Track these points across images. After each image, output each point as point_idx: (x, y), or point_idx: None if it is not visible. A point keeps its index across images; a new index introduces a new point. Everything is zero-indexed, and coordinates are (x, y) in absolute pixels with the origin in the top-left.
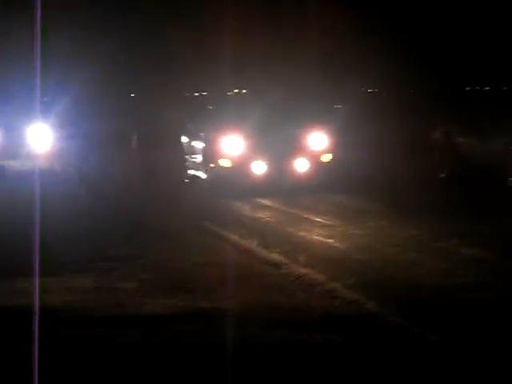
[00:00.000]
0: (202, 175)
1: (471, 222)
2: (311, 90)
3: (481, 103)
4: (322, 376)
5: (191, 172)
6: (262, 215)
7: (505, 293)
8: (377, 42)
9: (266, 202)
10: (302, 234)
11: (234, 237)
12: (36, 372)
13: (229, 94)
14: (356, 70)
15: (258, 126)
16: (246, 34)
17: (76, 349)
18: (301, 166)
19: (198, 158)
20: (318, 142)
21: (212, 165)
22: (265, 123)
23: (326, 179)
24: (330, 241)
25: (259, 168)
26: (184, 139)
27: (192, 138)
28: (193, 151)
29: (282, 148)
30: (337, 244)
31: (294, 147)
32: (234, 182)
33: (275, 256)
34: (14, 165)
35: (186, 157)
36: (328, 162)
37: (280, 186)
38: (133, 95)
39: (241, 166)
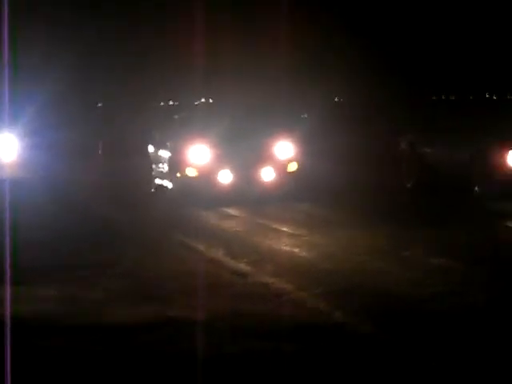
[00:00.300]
0: (169, 185)
1: (438, 231)
2: (277, 99)
3: (447, 113)
4: None
5: (158, 181)
6: (229, 225)
7: (472, 302)
8: (343, 53)
9: (232, 211)
10: (269, 243)
11: (201, 246)
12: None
13: (195, 103)
14: (322, 80)
15: (225, 135)
16: (214, 44)
17: (43, 358)
18: (267, 175)
19: (165, 168)
20: (284, 150)
21: (178, 174)
22: (231, 132)
23: (292, 188)
24: (296, 250)
25: (225, 177)
26: (150, 148)
27: (158, 147)
28: (159, 160)
29: (248, 157)
30: (304, 253)
31: (260, 156)
32: (200, 192)
33: (242, 265)
34: None
35: (153, 166)
36: (294, 171)
37: (246, 195)
38: (99, 105)
39: (207, 176)
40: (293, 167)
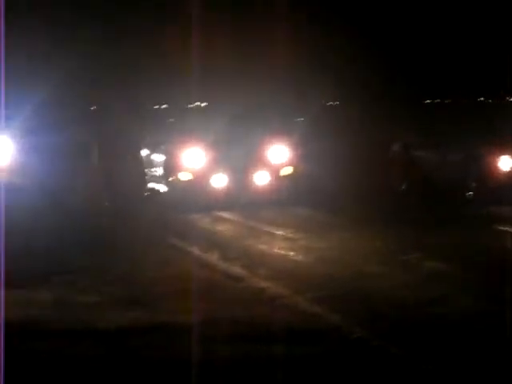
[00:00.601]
0: (163, 188)
1: (432, 235)
2: (272, 102)
3: (441, 116)
4: None
5: (152, 185)
6: (223, 228)
7: (467, 306)
8: (337, 56)
9: (226, 215)
10: (264, 247)
11: (195, 250)
12: None
13: (190, 106)
14: (317, 84)
15: (219, 138)
16: (208, 47)
17: (36, 362)
18: (262, 178)
19: (159, 171)
20: (279, 154)
21: (172, 178)
22: (226, 136)
23: (287, 192)
24: (291, 254)
25: (220, 181)
26: (145, 152)
27: (153, 150)
28: (153, 164)
29: (243, 161)
30: (299, 257)
31: (255, 160)
32: (194, 195)
33: (236, 269)
34: None
35: (147, 170)
36: (289, 175)
37: (241, 199)
38: (93, 107)
39: (201, 179)
40: (287, 171)
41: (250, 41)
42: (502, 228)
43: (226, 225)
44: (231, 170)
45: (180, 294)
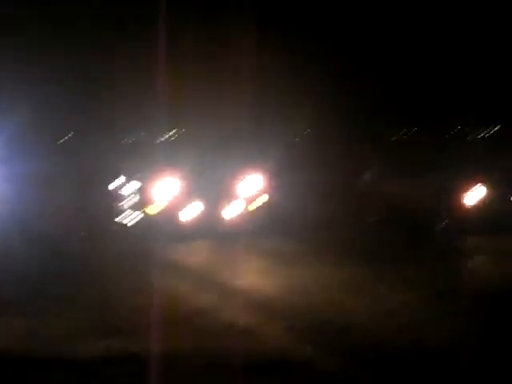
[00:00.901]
0: (136, 217)
1: (402, 266)
2: (246, 132)
3: (411, 149)
4: None
5: (124, 214)
6: (195, 259)
7: (437, 337)
8: (311, 84)
9: (198, 245)
10: (236, 277)
11: (166, 281)
12: None
13: (165, 135)
14: (290, 113)
15: (193, 168)
16: (182, 76)
17: None
18: (234, 209)
19: (132, 200)
20: (252, 185)
21: (145, 207)
22: (199, 166)
23: (259, 222)
24: (263, 284)
25: (193, 211)
26: (117, 181)
27: (129, 177)
28: (126, 193)
29: (215, 191)
30: (271, 288)
31: (228, 190)
32: (166, 225)
33: (207, 300)
34: None
35: (121, 198)
36: (262, 205)
37: (213, 230)
38: (65, 137)
39: (174, 209)
40: (260, 201)
41: (224, 69)
42: (473, 258)
43: (197, 255)
44: (204, 200)
45: (150, 325)
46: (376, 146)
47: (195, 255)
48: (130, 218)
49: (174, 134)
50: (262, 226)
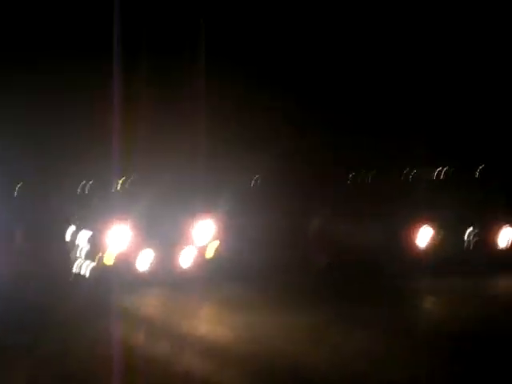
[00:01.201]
0: (89, 267)
1: (354, 309)
2: (198, 176)
3: (361, 194)
4: None
5: (77, 264)
6: (149, 308)
7: (396, 378)
8: (263, 129)
9: (153, 294)
10: (189, 327)
11: (123, 331)
12: None
13: (116, 182)
14: (243, 156)
15: (145, 215)
16: (132, 123)
17: None
18: (188, 255)
19: (84, 249)
20: (205, 230)
21: (98, 256)
22: (152, 212)
23: (213, 268)
24: (217, 333)
25: (146, 259)
26: (70, 231)
27: (79, 227)
28: (78, 245)
29: (168, 238)
30: (224, 336)
31: (181, 236)
32: (119, 274)
33: (164, 349)
34: None
35: (71, 253)
36: (215, 251)
37: (167, 277)
38: (16, 189)
39: (126, 259)
40: (213, 246)
41: (177, 113)
42: (420, 301)
43: (151, 305)
44: (157, 247)
45: (106, 376)
46: (327, 188)
47: (151, 304)
48: (84, 268)
49: (124, 181)
50: (215, 272)
